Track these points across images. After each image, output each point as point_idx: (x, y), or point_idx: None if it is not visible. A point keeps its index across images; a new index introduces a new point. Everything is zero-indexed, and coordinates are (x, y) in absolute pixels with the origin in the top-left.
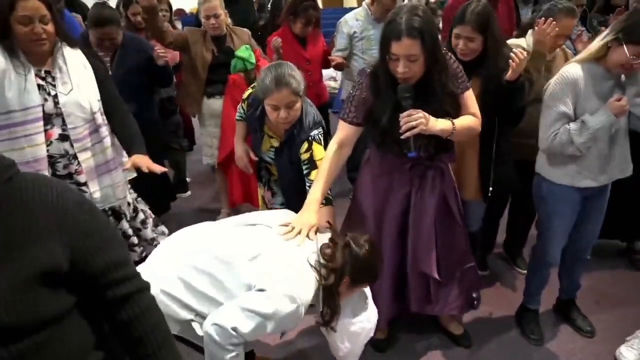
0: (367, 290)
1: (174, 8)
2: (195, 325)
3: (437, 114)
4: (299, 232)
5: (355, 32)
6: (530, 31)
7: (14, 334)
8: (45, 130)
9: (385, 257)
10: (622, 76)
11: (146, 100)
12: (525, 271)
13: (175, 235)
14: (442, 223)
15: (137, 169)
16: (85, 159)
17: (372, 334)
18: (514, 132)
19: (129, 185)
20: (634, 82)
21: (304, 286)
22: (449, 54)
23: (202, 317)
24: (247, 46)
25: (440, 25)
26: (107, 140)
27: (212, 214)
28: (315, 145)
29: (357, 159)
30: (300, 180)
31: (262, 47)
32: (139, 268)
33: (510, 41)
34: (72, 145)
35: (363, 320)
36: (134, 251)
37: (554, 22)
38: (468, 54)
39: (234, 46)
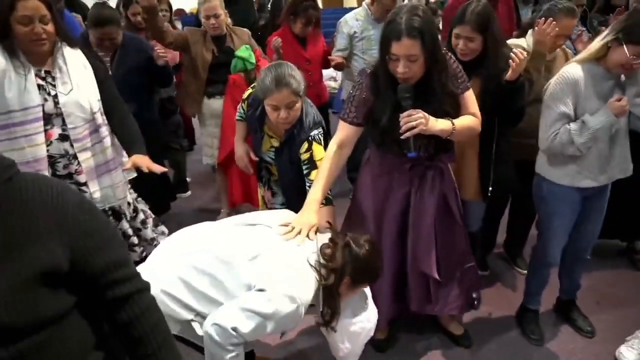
0: (367, 290)
1: (174, 8)
2: (195, 325)
3: (437, 114)
4: (299, 232)
5: (355, 32)
6: (530, 31)
7: (14, 334)
8: (45, 130)
9: (385, 257)
10: (622, 76)
11: (146, 100)
12: (526, 271)
13: (175, 235)
14: (442, 223)
15: (137, 169)
16: (85, 159)
17: (372, 334)
18: (514, 132)
19: (129, 185)
20: (634, 82)
21: (304, 286)
22: (449, 54)
23: (202, 317)
24: (247, 46)
25: (440, 25)
26: (107, 140)
27: (212, 214)
28: (315, 146)
29: (357, 159)
30: (300, 180)
31: (262, 47)
32: (139, 268)
33: (511, 41)
34: (72, 145)
35: (363, 320)
36: (134, 251)
37: (554, 22)
38: (468, 54)
39: (234, 46)
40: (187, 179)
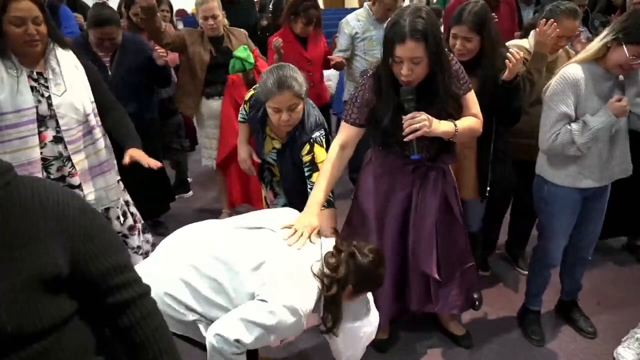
0: (369, 293)
1: (176, 8)
2: (200, 325)
3: (440, 116)
4: (302, 235)
5: (357, 33)
6: (532, 32)
7: (16, 342)
8: (39, 132)
9: (386, 257)
10: (621, 76)
11: (146, 100)
12: (527, 272)
13: (178, 234)
14: (443, 223)
15: (135, 168)
16: (79, 160)
17: (373, 337)
18: (514, 133)
19: (123, 187)
20: (633, 82)
21: (307, 296)
22: (451, 54)
23: (206, 318)
24: (245, 46)
25: (442, 27)
26: (101, 142)
27: (213, 215)
28: (317, 148)
29: (359, 160)
30: (303, 182)
31: (264, 47)
32: (140, 268)
33: (513, 42)
34: (66, 147)
35: (365, 324)
36: None
37: (555, 24)
38: (465, 54)
39: (231, 46)
40: (189, 179)
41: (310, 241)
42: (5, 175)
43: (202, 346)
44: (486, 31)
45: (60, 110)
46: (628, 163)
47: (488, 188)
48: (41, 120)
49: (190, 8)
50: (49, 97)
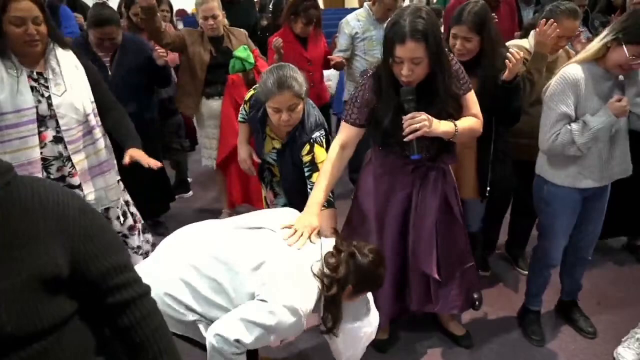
0: (369, 293)
1: (176, 8)
2: (200, 325)
3: (440, 116)
4: (302, 235)
5: (357, 33)
6: (532, 32)
7: (16, 342)
8: (39, 132)
9: (386, 257)
10: (620, 76)
11: (146, 100)
12: (527, 272)
13: (178, 234)
14: (443, 223)
15: (135, 168)
16: (79, 160)
17: (373, 337)
18: (514, 133)
19: (123, 187)
20: (633, 82)
21: (307, 297)
22: (451, 54)
23: (206, 318)
24: (245, 46)
25: (442, 27)
26: (101, 142)
27: (213, 215)
28: (317, 148)
29: (359, 160)
30: (303, 182)
31: (264, 48)
32: (140, 268)
33: (513, 42)
34: (66, 147)
35: (365, 325)
36: None
37: (555, 24)
38: (465, 54)
39: (231, 46)
40: (189, 179)
41: (310, 241)
42: (5, 175)
43: (202, 346)
44: (486, 31)
45: (60, 110)
46: (628, 163)
47: (488, 188)
48: (41, 120)
49: (190, 8)
50: (49, 97)
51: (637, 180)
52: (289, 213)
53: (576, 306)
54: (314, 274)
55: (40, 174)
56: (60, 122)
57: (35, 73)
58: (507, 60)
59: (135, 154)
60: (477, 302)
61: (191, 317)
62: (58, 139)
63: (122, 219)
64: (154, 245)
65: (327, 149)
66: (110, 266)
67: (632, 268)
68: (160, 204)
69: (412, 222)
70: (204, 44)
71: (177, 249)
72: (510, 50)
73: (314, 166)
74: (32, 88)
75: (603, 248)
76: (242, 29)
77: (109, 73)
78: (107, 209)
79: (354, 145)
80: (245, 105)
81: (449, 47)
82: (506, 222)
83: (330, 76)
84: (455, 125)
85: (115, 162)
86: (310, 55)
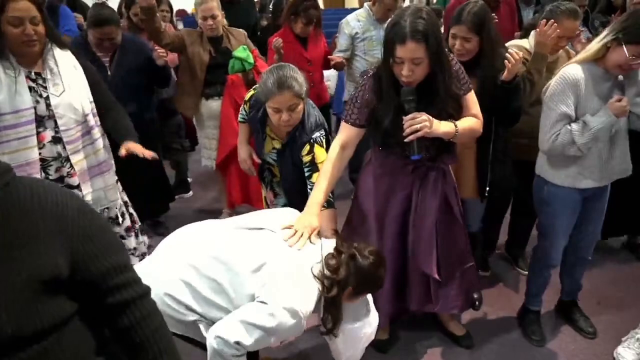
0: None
1: (176, 9)
2: (200, 325)
3: (441, 116)
4: (302, 235)
5: (357, 33)
6: (533, 32)
7: (16, 343)
8: (38, 133)
9: (386, 257)
10: (620, 76)
11: (146, 101)
12: (527, 272)
13: (178, 234)
14: (443, 223)
15: (135, 168)
16: (78, 160)
17: (373, 338)
18: (514, 133)
19: (121, 188)
20: (633, 82)
21: (307, 298)
22: (452, 55)
23: (206, 318)
24: (245, 46)
25: (442, 27)
26: (100, 142)
27: (213, 215)
28: (317, 148)
29: (359, 160)
30: (303, 182)
31: (264, 48)
32: (139, 267)
33: (513, 42)
34: (64, 148)
35: (365, 325)
36: None
37: (555, 24)
38: (464, 54)
39: (231, 47)
40: (189, 180)
41: (310, 242)
42: (4, 176)
43: (202, 346)
44: (485, 31)
45: (59, 110)
46: (628, 163)
47: (487, 188)
48: (39, 121)
49: (190, 8)
50: (47, 98)
51: (637, 180)
52: (289, 213)
53: (576, 306)
54: (315, 276)
55: (38, 174)
56: (59, 122)
57: (33, 73)
58: (506, 61)
59: (130, 145)
60: (477, 302)
61: (191, 317)
62: (57, 140)
63: (120, 219)
64: (150, 248)
65: (327, 149)
66: (110, 266)
67: (632, 268)
68: (160, 204)
69: (412, 223)
70: (203, 44)
71: (177, 248)
72: (509, 50)
73: (314, 166)
74: (30, 88)
75: (603, 248)
76: (241, 29)
77: (109, 73)
78: (105, 209)
79: (354, 146)
80: (245, 106)
81: (449, 47)
82: (506, 222)
83: (329, 76)
84: (456, 126)
85: (113, 162)
86: (310, 56)
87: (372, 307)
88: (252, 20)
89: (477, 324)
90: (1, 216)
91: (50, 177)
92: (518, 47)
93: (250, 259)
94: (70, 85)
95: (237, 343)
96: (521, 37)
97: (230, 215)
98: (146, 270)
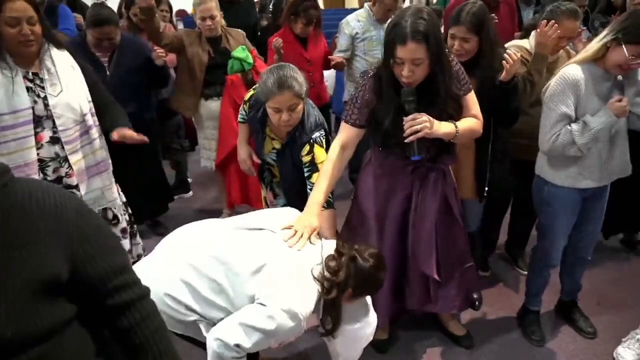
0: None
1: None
2: (200, 325)
3: (441, 117)
4: (302, 236)
5: (357, 33)
6: (533, 33)
7: (16, 345)
8: (36, 133)
9: (385, 258)
10: (619, 76)
11: (145, 101)
12: (527, 272)
13: (177, 233)
14: (443, 223)
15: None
16: (77, 160)
17: (371, 338)
18: (514, 133)
19: (119, 189)
20: (633, 82)
21: (306, 300)
22: (452, 55)
23: (206, 318)
24: (244, 47)
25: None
26: (98, 142)
27: (213, 215)
28: (316, 148)
29: (359, 160)
30: (302, 182)
31: (264, 48)
32: (138, 267)
33: (513, 42)
34: (62, 148)
35: (364, 326)
36: None
37: (556, 25)
38: (463, 55)
39: (229, 47)
40: (189, 180)
41: (310, 242)
42: (2, 177)
43: (202, 345)
44: (484, 32)
45: (57, 110)
46: (627, 163)
47: (486, 188)
48: (37, 121)
49: (190, 8)
50: (45, 98)
51: (636, 180)
52: (289, 213)
53: (576, 306)
54: (314, 277)
55: (36, 175)
56: (57, 122)
57: (30, 73)
58: (504, 61)
59: (122, 131)
60: (476, 302)
61: (191, 317)
62: (55, 140)
63: (117, 219)
64: (145, 250)
65: (327, 149)
66: (108, 267)
67: (632, 268)
68: (159, 204)
69: (412, 223)
70: (202, 44)
71: (176, 248)
72: (508, 51)
73: (313, 166)
74: (27, 89)
75: (603, 248)
76: (239, 30)
77: (107, 73)
78: (103, 210)
79: (354, 146)
80: (244, 106)
81: (448, 48)
82: (506, 222)
83: (327, 77)
84: (456, 126)
85: (110, 162)
86: (310, 56)
87: (370, 308)
88: (252, 20)
89: (477, 324)
90: (1, 217)
91: (49, 178)
92: (518, 48)
93: (251, 260)
94: (68, 85)
95: (237, 345)
96: (521, 38)
97: (230, 215)
98: (146, 270)
